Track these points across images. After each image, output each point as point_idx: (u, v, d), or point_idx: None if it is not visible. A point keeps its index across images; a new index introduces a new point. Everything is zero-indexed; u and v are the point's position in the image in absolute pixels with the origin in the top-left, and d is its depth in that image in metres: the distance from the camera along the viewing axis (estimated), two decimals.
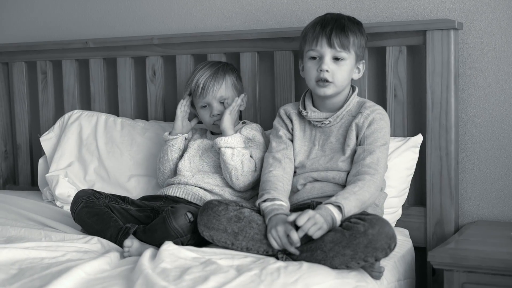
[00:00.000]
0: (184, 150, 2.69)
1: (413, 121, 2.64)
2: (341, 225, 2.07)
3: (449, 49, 2.48)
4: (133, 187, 2.88)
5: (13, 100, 3.42)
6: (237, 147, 2.49)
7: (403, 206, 2.59)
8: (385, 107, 2.65)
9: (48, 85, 3.32)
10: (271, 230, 2.10)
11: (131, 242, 2.20)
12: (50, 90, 3.32)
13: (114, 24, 3.26)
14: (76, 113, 3.14)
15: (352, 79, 2.39)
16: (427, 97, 2.52)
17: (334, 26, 2.31)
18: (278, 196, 2.23)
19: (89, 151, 3.02)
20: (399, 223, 2.57)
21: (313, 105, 2.41)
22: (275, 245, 2.08)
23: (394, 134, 2.60)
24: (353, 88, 2.40)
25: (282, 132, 2.43)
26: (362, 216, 2.07)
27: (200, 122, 2.73)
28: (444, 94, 2.49)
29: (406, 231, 2.55)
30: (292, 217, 2.06)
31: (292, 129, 2.43)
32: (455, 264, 2.14)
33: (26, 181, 3.42)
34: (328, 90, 2.31)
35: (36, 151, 3.40)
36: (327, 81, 2.30)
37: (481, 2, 2.57)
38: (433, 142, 2.52)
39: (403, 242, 2.43)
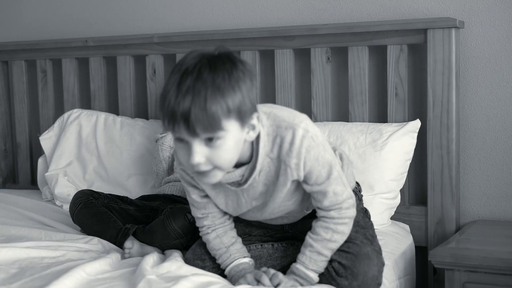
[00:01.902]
0: None
1: (414, 120, 2.61)
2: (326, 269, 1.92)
3: (450, 48, 2.47)
4: (132, 186, 2.88)
5: (13, 99, 3.42)
6: None
7: (404, 205, 2.59)
8: (386, 106, 2.65)
9: (48, 83, 3.31)
10: (239, 280, 1.87)
11: (132, 244, 2.18)
12: (50, 89, 3.32)
13: (114, 23, 3.26)
14: (76, 112, 3.14)
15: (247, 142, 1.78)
16: (428, 96, 2.51)
17: (192, 104, 1.61)
18: (235, 256, 1.96)
19: (89, 150, 3.02)
20: (400, 221, 2.57)
21: None
22: None
23: None
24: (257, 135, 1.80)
25: (194, 193, 1.94)
26: (343, 260, 1.87)
27: None
28: (445, 93, 2.48)
29: (407, 226, 2.56)
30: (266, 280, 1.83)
31: (203, 190, 1.93)
32: (456, 264, 2.14)
33: (26, 180, 3.42)
34: (213, 178, 1.73)
35: (35, 150, 3.39)
36: (205, 171, 1.71)
37: (482, 0, 2.57)
38: (434, 140, 2.52)
39: (403, 237, 2.43)
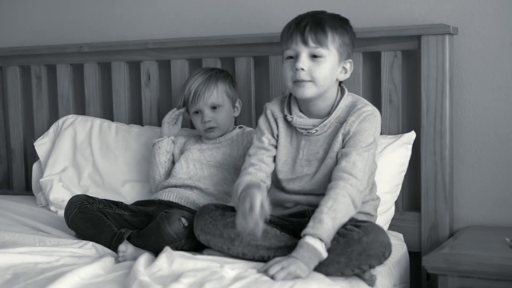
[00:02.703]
0: (180, 154, 2.69)
1: (408, 126, 2.63)
2: (337, 232, 2.03)
3: (444, 54, 2.47)
4: (128, 192, 2.86)
5: (7, 105, 3.41)
6: None
7: (397, 211, 2.59)
8: (380, 112, 2.64)
9: (42, 89, 3.30)
10: (245, 198, 2.02)
11: (126, 247, 2.19)
12: (45, 94, 3.31)
13: (108, 29, 3.25)
14: (71, 118, 3.13)
15: (338, 80, 2.22)
16: (422, 102, 2.51)
17: (310, 21, 2.15)
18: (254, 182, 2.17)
19: (84, 156, 3.01)
20: (394, 227, 2.57)
21: (300, 110, 2.25)
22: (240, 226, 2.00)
23: None
24: (342, 91, 2.24)
25: (266, 137, 2.27)
26: (357, 223, 2.03)
27: (192, 126, 2.74)
28: (439, 99, 2.49)
29: (401, 235, 2.54)
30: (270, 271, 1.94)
31: (278, 135, 2.28)
32: (450, 269, 2.14)
33: (21, 186, 3.41)
34: (308, 90, 2.14)
35: (30, 156, 3.38)
36: (304, 80, 2.13)
37: (476, 7, 2.57)
38: (427, 147, 2.52)
39: (398, 246, 2.42)
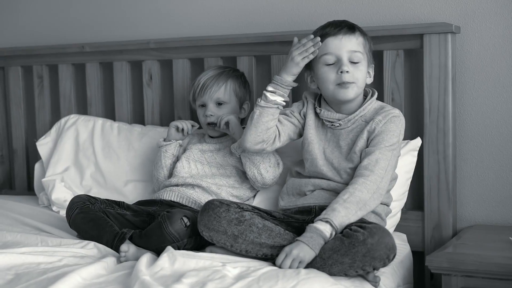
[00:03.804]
0: (183, 152, 2.69)
1: (411, 125, 2.63)
2: (341, 232, 2.06)
3: (447, 53, 2.47)
4: (130, 192, 2.86)
5: (9, 105, 3.41)
6: None
7: (400, 210, 2.57)
8: None
9: (44, 89, 3.31)
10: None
11: (128, 247, 2.19)
12: (46, 94, 3.31)
13: (110, 28, 3.26)
14: (73, 117, 3.13)
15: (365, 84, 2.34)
16: (425, 101, 2.51)
17: (345, 27, 2.29)
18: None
19: (86, 155, 3.01)
20: (397, 227, 2.55)
21: (329, 105, 2.35)
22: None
23: None
24: (372, 93, 2.35)
25: (291, 110, 2.39)
26: (363, 224, 2.05)
27: (199, 127, 2.73)
28: (441, 98, 2.49)
29: (404, 236, 2.54)
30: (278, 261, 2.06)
31: (305, 116, 2.37)
32: (453, 269, 2.14)
33: (22, 186, 3.41)
34: (351, 91, 2.25)
35: (32, 156, 3.39)
36: (349, 82, 2.23)
37: (478, 5, 2.57)
38: (430, 146, 2.52)
39: (401, 246, 2.42)
